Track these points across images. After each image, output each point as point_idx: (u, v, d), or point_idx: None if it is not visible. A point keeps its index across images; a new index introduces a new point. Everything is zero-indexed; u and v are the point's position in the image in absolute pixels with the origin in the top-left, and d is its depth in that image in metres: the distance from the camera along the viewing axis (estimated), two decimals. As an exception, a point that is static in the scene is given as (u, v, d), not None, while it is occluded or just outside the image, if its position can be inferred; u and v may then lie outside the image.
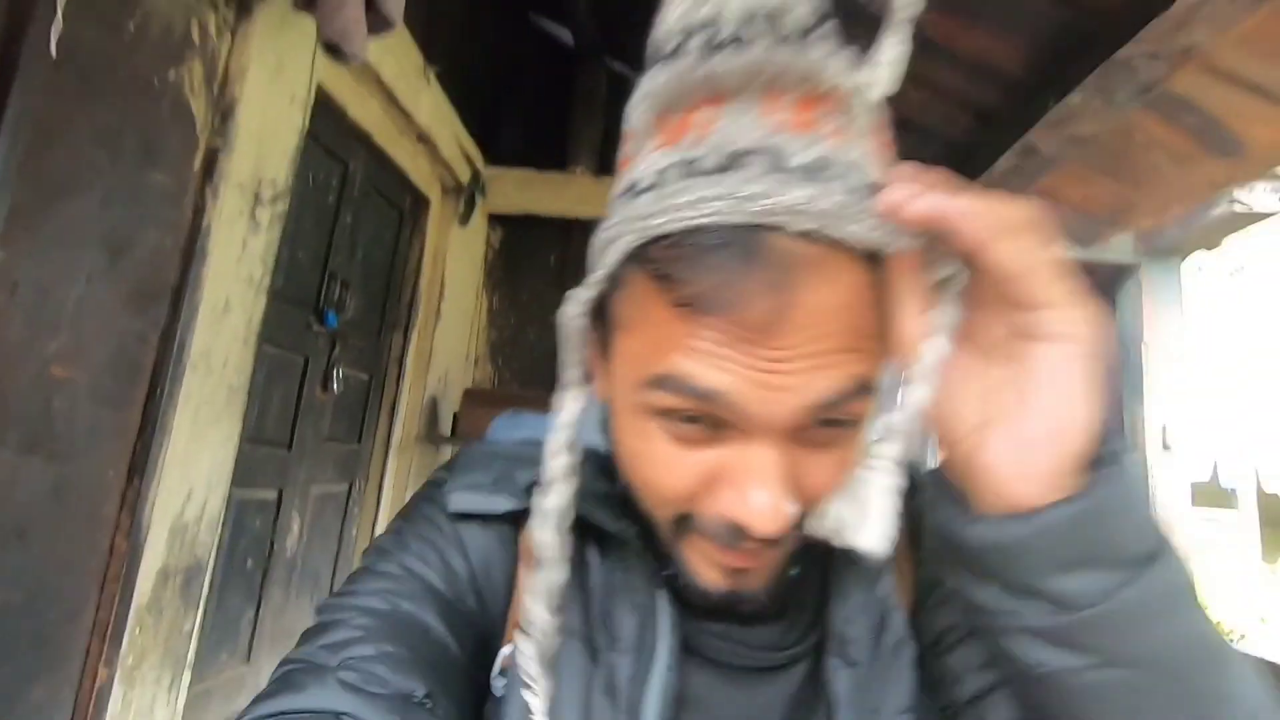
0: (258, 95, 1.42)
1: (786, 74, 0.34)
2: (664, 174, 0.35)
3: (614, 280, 0.38)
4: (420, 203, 2.53)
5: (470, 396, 2.65)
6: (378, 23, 1.39)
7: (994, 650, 0.35)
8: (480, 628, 0.44)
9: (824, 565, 0.47)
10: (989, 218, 0.31)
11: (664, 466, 0.38)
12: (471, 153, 2.64)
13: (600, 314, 0.40)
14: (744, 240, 0.33)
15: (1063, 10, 1.65)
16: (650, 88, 0.37)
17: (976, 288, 0.34)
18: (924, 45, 2.03)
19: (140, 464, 1.22)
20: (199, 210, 1.30)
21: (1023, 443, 0.32)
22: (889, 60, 0.36)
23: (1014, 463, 0.32)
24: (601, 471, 0.46)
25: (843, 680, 0.43)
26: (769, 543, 0.37)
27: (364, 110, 2.00)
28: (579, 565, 0.45)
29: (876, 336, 0.36)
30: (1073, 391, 0.31)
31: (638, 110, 0.38)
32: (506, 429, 0.56)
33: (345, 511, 2.28)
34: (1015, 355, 0.32)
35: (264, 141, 1.46)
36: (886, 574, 0.47)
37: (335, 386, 2.07)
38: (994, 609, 0.33)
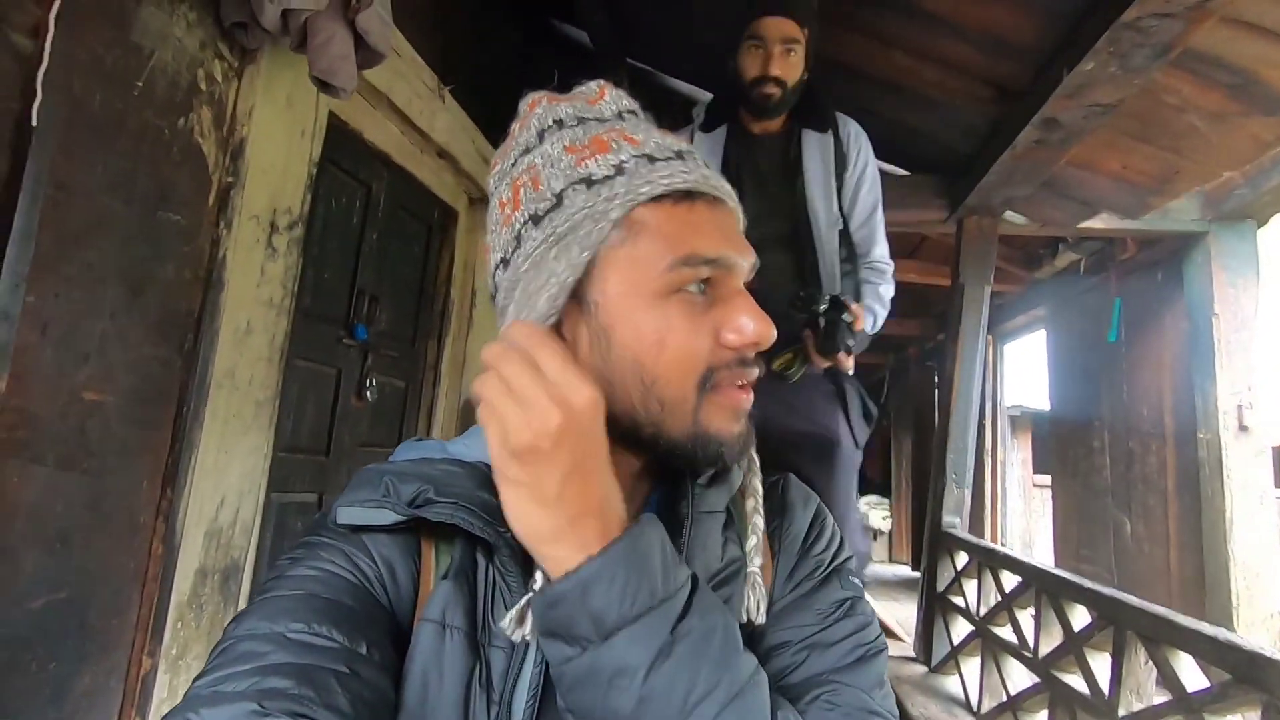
0: (267, 132, 1.54)
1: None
2: (623, 165, 0.50)
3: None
4: (448, 215, 2.64)
5: (503, 399, 2.74)
6: (369, 57, 1.48)
7: None
8: (390, 618, 0.49)
9: None
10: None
11: (687, 333, 0.49)
12: (496, 163, 2.72)
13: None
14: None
15: (1066, -26, 1.56)
16: (561, 138, 0.53)
17: None
18: (933, 21, 1.96)
19: (172, 475, 1.35)
20: (215, 243, 1.42)
21: None
22: None
23: None
24: (484, 483, 0.50)
25: None
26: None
27: (381, 133, 2.11)
28: (470, 564, 0.51)
29: None
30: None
31: (535, 152, 0.53)
32: (405, 452, 0.61)
33: (388, 511, 2.41)
34: None
35: (276, 174, 1.58)
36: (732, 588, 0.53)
37: (370, 395, 2.20)
38: None
